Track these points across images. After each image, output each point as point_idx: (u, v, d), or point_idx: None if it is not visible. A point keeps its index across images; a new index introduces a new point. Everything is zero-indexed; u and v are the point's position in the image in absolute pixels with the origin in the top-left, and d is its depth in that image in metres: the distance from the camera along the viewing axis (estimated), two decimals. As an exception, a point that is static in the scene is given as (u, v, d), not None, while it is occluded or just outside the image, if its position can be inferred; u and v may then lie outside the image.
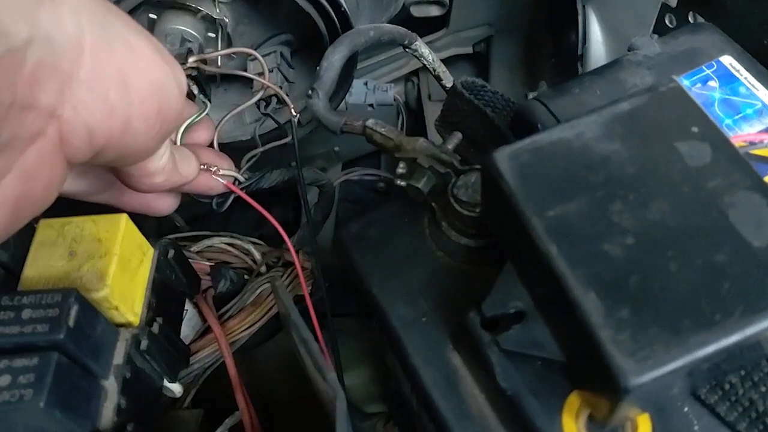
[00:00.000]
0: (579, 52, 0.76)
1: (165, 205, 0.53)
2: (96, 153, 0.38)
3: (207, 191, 0.57)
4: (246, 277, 0.67)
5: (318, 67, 0.54)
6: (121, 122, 0.38)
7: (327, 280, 0.70)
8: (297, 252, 0.70)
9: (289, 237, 0.77)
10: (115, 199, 0.50)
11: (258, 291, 0.65)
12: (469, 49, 0.96)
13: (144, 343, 0.45)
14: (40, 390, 0.37)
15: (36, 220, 0.46)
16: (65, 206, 0.46)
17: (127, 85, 0.38)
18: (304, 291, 0.60)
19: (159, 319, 0.48)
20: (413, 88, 1.01)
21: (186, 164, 0.50)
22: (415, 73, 1.00)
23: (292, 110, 0.60)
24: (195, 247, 0.66)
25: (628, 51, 0.53)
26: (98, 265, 0.44)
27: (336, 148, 0.98)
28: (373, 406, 0.74)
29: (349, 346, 0.74)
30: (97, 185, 0.48)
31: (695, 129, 0.38)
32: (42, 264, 0.44)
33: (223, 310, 0.64)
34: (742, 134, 0.47)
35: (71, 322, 0.39)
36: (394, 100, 0.86)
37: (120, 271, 0.45)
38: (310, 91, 0.53)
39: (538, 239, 0.36)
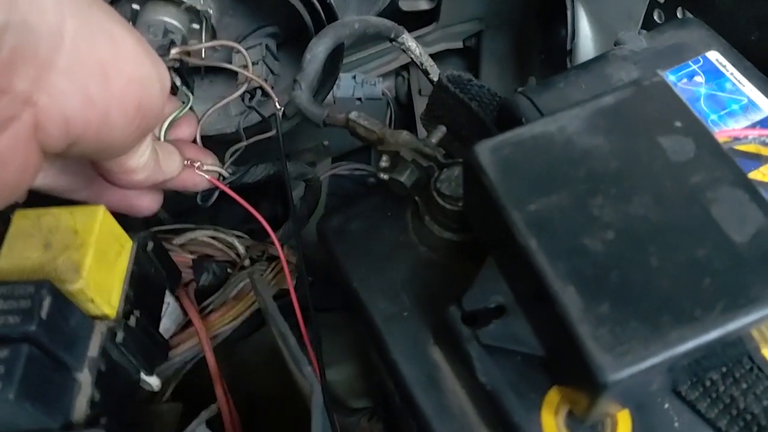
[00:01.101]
0: (568, 47, 0.76)
1: (147, 204, 0.52)
2: (72, 143, 0.38)
3: (192, 187, 0.57)
4: (229, 270, 0.66)
5: (302, 59, 0.53)
6: (100, 114, 0.38)
7: (312, 275, 0.70)
8: (282, 246, 0.69)
9: (277, 231, 0.77)
10: (96, 197, 0.49)
11: (241, 285, 0.64)
12: (459, 44, 0.96)
13: (120, 336, 0.45)
14: (10, 382, 0.36)
15: (11, 210, 0.46)
16: (41, 199, 0.46)
17: (107, 77, 0.37)
18: (288, 284, 0.60)
19: (136, 312, 0.47)
20: (403, 82, 1.01)
21: (169, 161, 0.50)
22: (405, 67, 0.99)
23: (277, 103, 0.59)
24: (177, 240, 0.65)
25: (615, 46, 0.52)
26: (74, 256, 0.43)
27: (325, 143, 0.98)
28: (357, 401, 0.73)
29: (333, 341, 0.73)
30: (78, 182, 0.48)
31: (679, 124, 0.38)
32: (17, 255, 0.44)
33: (205, 303, 0.63)
34: (726, 129, 0.46)
35: (44, 314, 0.39)
36: (383, 94, 0.85)
37: (96, 263, 0.44)
38: (293, 83, 0.53)
39: (518, 233, 0.35)
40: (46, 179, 0.45)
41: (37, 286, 0.39)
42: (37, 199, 0.45)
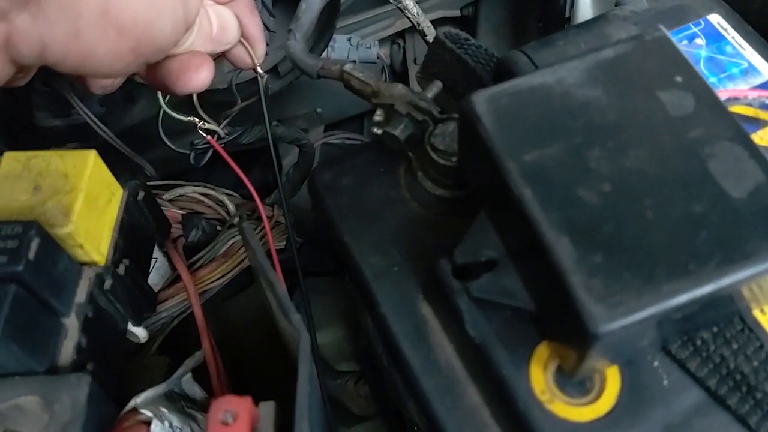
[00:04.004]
0: (567, 15, 0.75)
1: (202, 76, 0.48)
2: (47, 63, 0.37)
3: (241, 64, 0.53)
4: (218, 228, 0.66)
5: (297, 9, 0.52)
6: (83, 49, 0.36)
7: (303, 238, 0.69)
8: (273, 206, 0.69)
9: (268, 197, 0.77)
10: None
11: (230, 242, 0.64)
12: (456, 12, 0.95)
13: (108, 283, 0.44)
14: (-5, 321, 0.36)
15: (0, 149, 0.45)
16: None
17: (106, 15, 0.36)
18: (270, 244, 0.60)
19: (125, 261, 0.47)
20: (399, 50, 1.00)
21: (226, 32, 0.48)
22: (401, 35, 0.98)
23: (259, 69, 0.57)
24: (167, 195, 0.65)
25: (616, 6, 0.52)
26: (64, 200, 0.43)
27: (318, 110, 0.97)
28: (344, 364, 0.73)
29: (323, 305, 0.73)
30: None
31: (679, 78, 0.37)
32: (5, 197, 0.43)
33: (193, 259, 0.63)
34: (726, 89, 0.46)
35: (31, 255, 0.38)
36: (378, 57, 0.84)
37: (86, 208, 0.43)
38: (288, 33, 0.52)
39: (512, 183, 0.35)
40: None
41: (25, 227, 0.39)
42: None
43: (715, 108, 0.36)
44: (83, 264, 0.44)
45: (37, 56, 0.36)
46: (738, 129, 0.36)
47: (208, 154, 0.63)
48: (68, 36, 0.35)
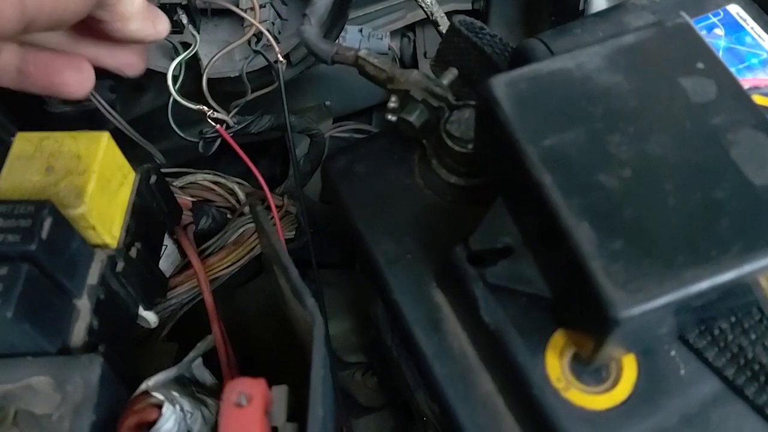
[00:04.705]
0: (580, 8, 0.74)
1: (134, 61, 0.52)
2: (29, 22, 0.38)
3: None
4: (228, 216, 0.66)
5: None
6: None
7: (311, 228, 0.69)
8: (283, 196, 0.69)
9: (277, 188, 0.77)
10: (86, 51, 0.49)
11: (240, 230, 0.63)
12: (468, 6, 0.95)
13: (120, 266, 0.44)
14: (8, 300, 0.35)
15: (12, 133, 0.45)
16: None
17: None
18: (279, 233, 0.59)
19: (137, 244, 0.46)
20: (409, 44, 1.00)
21: (161, 21, 0.50)
22: (411, 28, 0.98)
23: (279, 55, 0.57)
24: (177, 182, 0.65)
25: (632, -5, 0.51)
26: (76, 182, 0.42)
27: (327, 103, 0.97)
28: (352, 356, 0.73)
29: (331, 297, 0.73)
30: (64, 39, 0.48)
31: (701, 65, 0.37)
32: (17, 177, 0.43)
33: (203, 247, 0.62)
34: (747, 79, 0.46)
35: (44, 234, 0.38)
36: (389, 48, 0.84)
37: (99, 190, 0.43)
38: (303, 17, 0.52)
39: (532, 168, 0.35)
40: (32, 37, 0.45)
41: (38, 206, 0.39)
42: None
43: (738, 95, 0.36)
44: (95, 246, 0.44)
45: (19, 15, 0.37)
46: (761, 116, 0.35)
47: (217, 143, 0.63)
48: None
